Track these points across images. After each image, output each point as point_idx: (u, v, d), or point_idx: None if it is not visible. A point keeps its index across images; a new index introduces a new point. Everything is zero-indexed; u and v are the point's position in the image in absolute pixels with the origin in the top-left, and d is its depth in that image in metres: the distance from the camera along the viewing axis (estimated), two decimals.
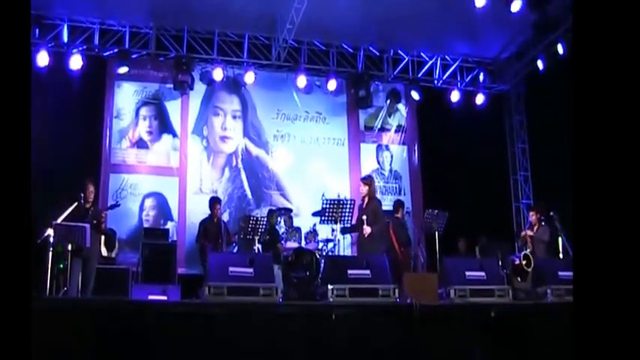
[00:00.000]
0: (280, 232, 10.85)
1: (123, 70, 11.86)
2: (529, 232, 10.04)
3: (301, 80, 12.64)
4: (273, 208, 11.38)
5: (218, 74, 12.25)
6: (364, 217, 8.43)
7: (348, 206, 8.88)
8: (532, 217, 10.34)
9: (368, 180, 9.02)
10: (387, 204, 12.84)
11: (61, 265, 8.01)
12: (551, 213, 9.58)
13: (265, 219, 10.46)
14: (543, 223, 9.93)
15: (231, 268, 6.18)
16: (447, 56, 13.80)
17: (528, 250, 9.82)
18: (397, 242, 9.97)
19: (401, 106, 13.79)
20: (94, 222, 8.23)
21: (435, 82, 13.83)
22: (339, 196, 10.17)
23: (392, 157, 13.61)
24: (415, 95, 13.33)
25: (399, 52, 13.61)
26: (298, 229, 10.96)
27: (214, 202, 10.12)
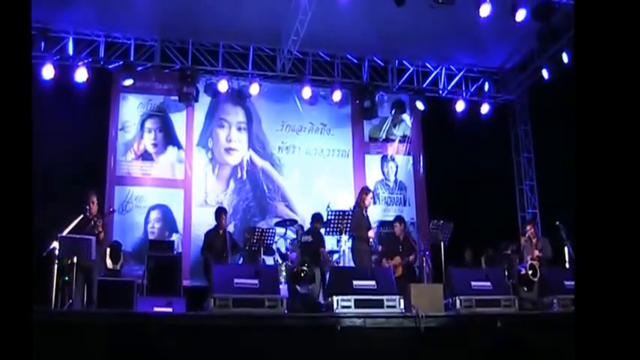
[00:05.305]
0: (287, 243, 10.83)
1: (128, 82, 11.88)
2: (536, 253, 9.94)
3: (306, 91, 12.63)
4: (318, 213, 10.71)
5: (223, 86, 12.27)
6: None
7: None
8: (530, 230, 10.35)
9: None
10: (391, 214, 12.83)
11: (67, 278, 8.00)
12: (557, 222, 9.54)
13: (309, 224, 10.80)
14: (542, 236, 9.94)
15: (236, 280, 6.19)
16: (451, 66, 13.79)
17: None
18: None
19: (406, 117, 13.78)
20: (94, 232, 8.21)
21: (440, 92, 13.82)
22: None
23: (397, 167, 13.58)
24: (420, 105, 13.31)
25: (404, 62, 13.61)
26: None
27: (220, 212, 10.06)
